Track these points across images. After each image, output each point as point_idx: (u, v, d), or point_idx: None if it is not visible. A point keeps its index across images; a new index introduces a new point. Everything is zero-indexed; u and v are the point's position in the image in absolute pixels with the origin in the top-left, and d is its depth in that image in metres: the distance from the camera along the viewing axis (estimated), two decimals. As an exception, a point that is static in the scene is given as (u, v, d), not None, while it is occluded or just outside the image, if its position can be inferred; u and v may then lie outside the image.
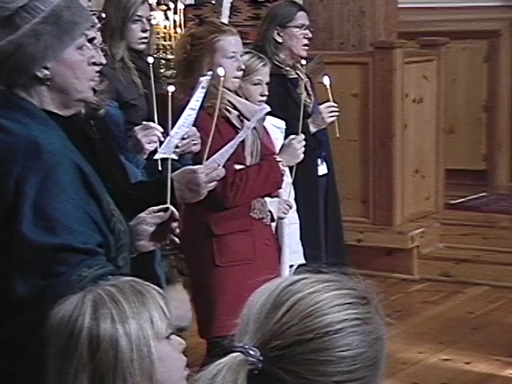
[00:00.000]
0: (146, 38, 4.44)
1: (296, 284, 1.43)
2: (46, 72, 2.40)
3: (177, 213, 2.73)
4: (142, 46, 4.41)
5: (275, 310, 1.40)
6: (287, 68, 4.86)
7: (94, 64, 2.49)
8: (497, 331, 5.93)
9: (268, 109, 3.80)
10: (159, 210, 2.70)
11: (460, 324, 6.08)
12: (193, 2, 7.14)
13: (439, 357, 5.48)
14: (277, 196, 4.13)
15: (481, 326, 6.05)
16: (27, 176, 2.29)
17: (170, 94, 3.12)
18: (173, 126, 3.30)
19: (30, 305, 2.29)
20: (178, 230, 2.73)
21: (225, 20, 5.74)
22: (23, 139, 2.35)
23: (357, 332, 1.40)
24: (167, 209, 2.70)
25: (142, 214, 2.68)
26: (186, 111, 3.40)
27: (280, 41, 4.92)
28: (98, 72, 2.93)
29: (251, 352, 1.37)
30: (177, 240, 2.74)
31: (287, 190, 4.25)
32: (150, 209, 2.70)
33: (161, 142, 3.52)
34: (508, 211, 7.61)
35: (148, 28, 4.50)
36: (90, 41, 2.72)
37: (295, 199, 4.52)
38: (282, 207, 4.13)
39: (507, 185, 8.51)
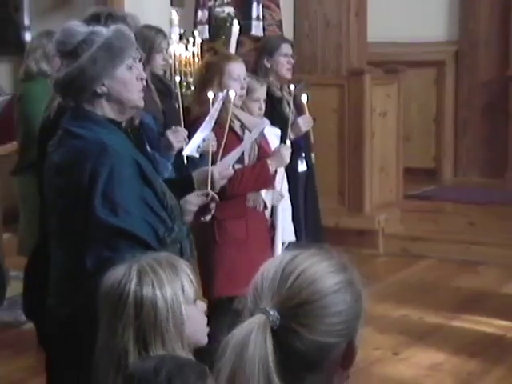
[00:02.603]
0: (165, 65, 4.40)
1: (296, 258, 1.42)
2: (104, 88, 2.43)
3: (216, 197, 2.77)
4: (161, 72, 4.37)
5: (285, 279, 1.39)
6: (274, 88, 4.77)
7: (141, 79, 2.51)
8: (443, 293, 5.92)
9: (267, 124, 3.77)
10: (202, 194, 2.74)
11: (415, 288, 6.07)
12: (208, 37, 7.10)
13: (399, 313, 5.48)
14: (272, 188, 4.06)
15: (431, 289, 6.04)
16: (99, 169, 2.32)
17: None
18: (194, 130, 3.30)
19: (94, 274, 2.26)
20: (213, 210, 2.76)
21: (232, 51, 5.67)
22: (93, 142, 2.37)
23: (348, 291, 1.41)
24: (208, 194, 2.74)
25: (188, 197, 2.70)
26: (207, 119, 3.36)
27: (268, 66, 4.86)
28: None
29: (271, 313, 1.36)
30: (207, 218, 2.77)
31: (280, 184, 4.18)
32: (195, 192, 2.74)
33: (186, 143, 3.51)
34: (452, 200, 7.60)
35: (167, 58, 4.46)
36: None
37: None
38: (275, 197, 4.07)
39: (451, 180, 8.52)
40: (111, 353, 1.98)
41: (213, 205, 2.73)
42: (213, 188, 3.05)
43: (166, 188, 2.46)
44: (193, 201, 2.69)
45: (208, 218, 2.75)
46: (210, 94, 3.46)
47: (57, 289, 2.47)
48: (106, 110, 2.44)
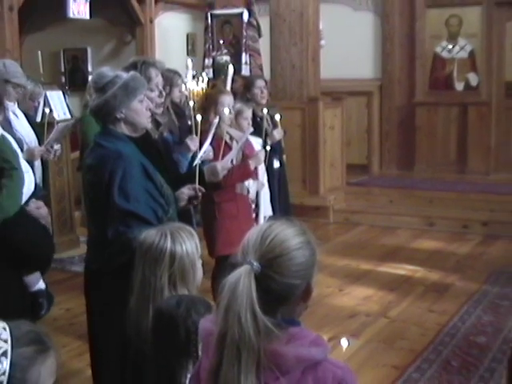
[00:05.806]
0: (180, 96, 4.32)
1: (272, 226, 1.39)
2: (122, 115, 2.39)
3: (203, 189, 2.74)
4: (178, 100, 4.29)
5: (264, 239, 1.36)
6: (258, 111, 4.67)
7: (150, 109, 2.47)
8: (373, 248, 5.90)
9: (250, 131, 3.73)
10: (192, 188, 2.73)
11: (354, 246, 6.03)
12: (212, 77, 7.07)
13: (343, 263, 5.44)
14: (257, 179, 4.01)
15: (365, 246, 6.00)
16: (116, 169, 2.28)
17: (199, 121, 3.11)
18: (200, 141, 3.29)
19: (112, 242, 2.28)
20: (199, 198, 2.75)
21: (228, 86, 5.61)
22: (111, 150, 2.34)
23: (308, 248, 1.38)
24: (195, 187, 2.74)
25: (182, 189, 2.69)
26: (208, 140, 3.38)
27: (249, 97, 4.80)
28: (162, 111, 2.91)
29: (254, 263, 1.34)
30: (196, 203, 2.77)
31: (262, 176, 4.13)
32: (187, 186, 2.72)
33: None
34: (378, 185, 7.59)
35: (182, 91, 4.38)
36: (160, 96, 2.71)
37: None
38: (259, 185, 4.01)
39: (378, 172, 8.47)
40: (150, 288, 1.96)
41: (199, 194, 2.73)
42: (216, 177, 3.12)
43: (164, 181, 2.44)
44: (184, 191, 2.69)
45: (196, 202, 2.75)
46: (216, 120, 3.49)
47: (89, 251, 2.50)
48: (123, 129, 2.41)
